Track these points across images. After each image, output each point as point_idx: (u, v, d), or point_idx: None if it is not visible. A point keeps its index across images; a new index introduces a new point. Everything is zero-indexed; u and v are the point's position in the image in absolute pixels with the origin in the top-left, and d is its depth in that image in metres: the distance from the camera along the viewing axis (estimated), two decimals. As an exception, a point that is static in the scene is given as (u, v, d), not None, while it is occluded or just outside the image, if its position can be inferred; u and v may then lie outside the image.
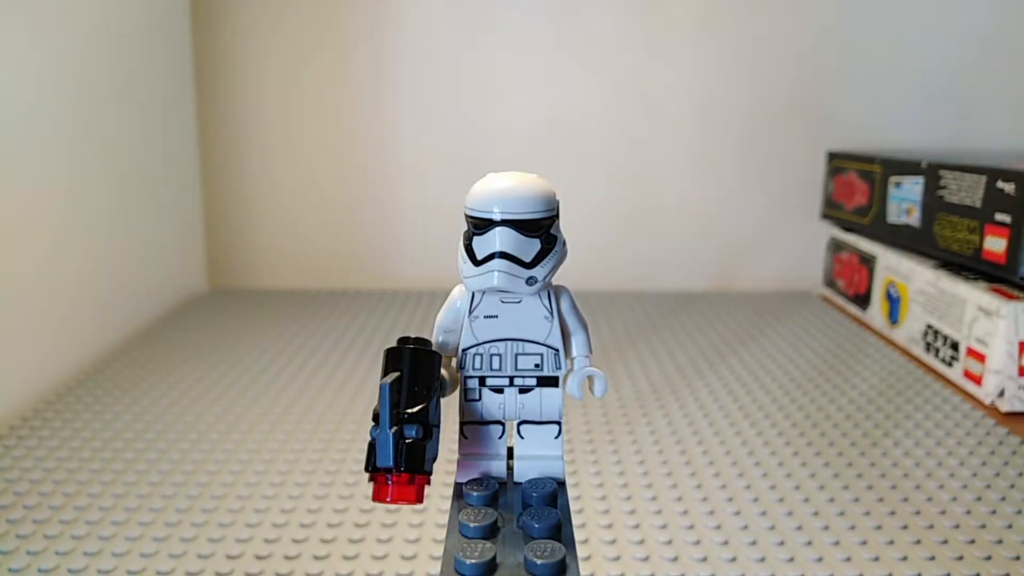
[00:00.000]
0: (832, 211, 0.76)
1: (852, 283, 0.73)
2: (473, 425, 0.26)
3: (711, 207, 0.80)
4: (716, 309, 0.74)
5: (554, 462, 0.26)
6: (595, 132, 0.78)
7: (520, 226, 0.24)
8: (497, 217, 0.24)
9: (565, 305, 0.26)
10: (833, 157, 0.76)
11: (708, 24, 0.76)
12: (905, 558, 0.35)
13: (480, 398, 0.26)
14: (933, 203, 0.61)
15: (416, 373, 0.24)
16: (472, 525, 0.23)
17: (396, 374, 0.24)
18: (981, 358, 0.53)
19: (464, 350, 0.26)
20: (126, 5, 0.63)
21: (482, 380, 0.26)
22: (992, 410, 0.52)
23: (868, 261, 0.70)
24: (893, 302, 0.65)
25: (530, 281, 0.25)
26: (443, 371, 0.25)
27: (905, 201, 0.64)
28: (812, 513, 0.39)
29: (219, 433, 0.47)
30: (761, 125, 0.79)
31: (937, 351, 0.58)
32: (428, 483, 0.23)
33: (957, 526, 0.37)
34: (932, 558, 0.35)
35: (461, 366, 0.26)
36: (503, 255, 0.24)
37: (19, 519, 0.37)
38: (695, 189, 0.80)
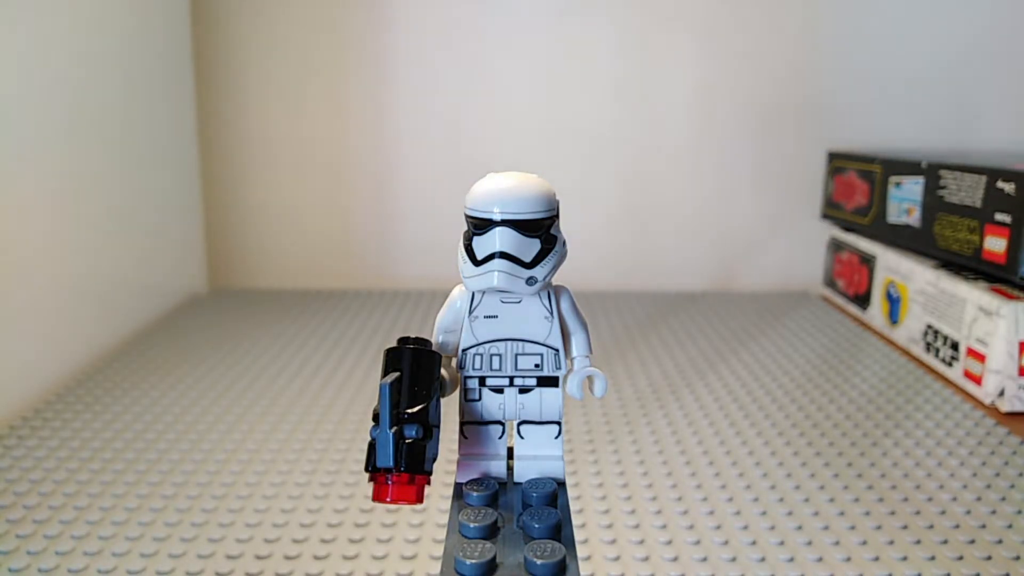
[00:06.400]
0: (832, 211, 0.76)
1: (852, 283, 0.73)
2: (473, 425, 0.26)
3: (711, 207, 0.80)
4: (716, 309, 0.74)
5: (554, 462, 0.26)
6: (595, 132, 0.78)
7: (520, 226, 0.24)
8: (497, 217, 0.24)
9: (565, 305, 0.26)
10: (833, 157, 0.76)
11: (708, 24, 0.76)
12: (905, 558, 0.35)
13: (480, 398, 0.26)
14: (933, 203, 0.61)
15: (416, 373, 0.24)
16: (472, 525, 0.22)
17: (396, 374, 0.24)
18: (981, 358, 0.53)
19: (464, 350, 0.26)
20: (126, 5, 0.63)
21: (482, 380, 0.26)
22: (992, 410, 0.52)
23: (868, 261, 0.70)
24: (893, 302, 0.65)
25: (530, 281, 0.25)
26: (443, 371, 0.25)
27: (905, 201, 0.64)
28: (812, 513, 0.39)
29: (219, 433, 0.47)
30: (761, 125, 0.79)
31: (937, 351, 0.58)
32: (428, 483, 0.23)
33: (957, 526, 0.37)
34: (932, 558, 0.35)
35: (461, 366, 0.26)
36: (503, 255, 0.24)
37: (19, 519, 0.37)
38: (695, 189, 0.80)
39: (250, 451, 0.45)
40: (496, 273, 0.24)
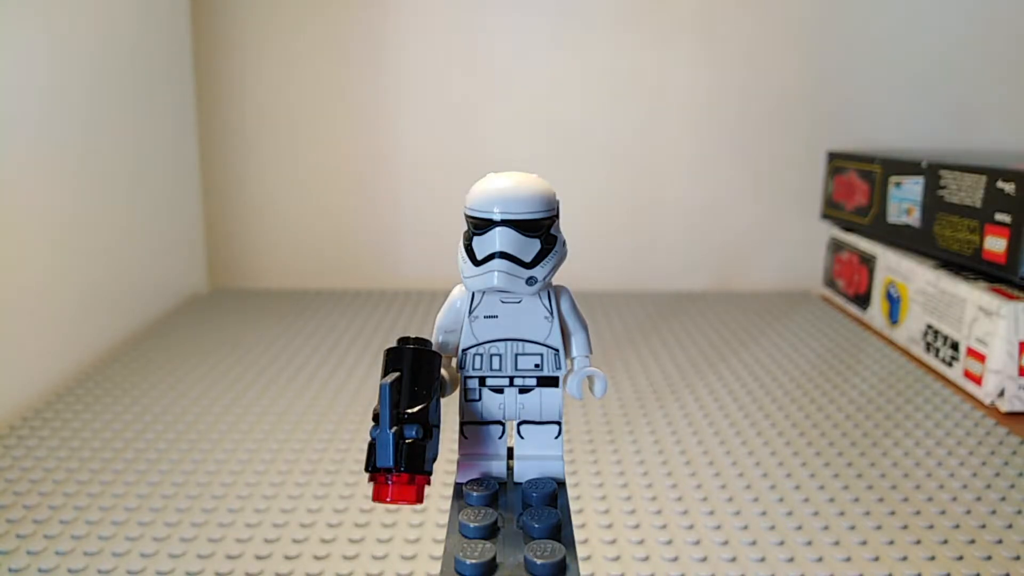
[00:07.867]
0: (832, 211, 0.76)
1: (852, 283, 0.73)
2: (473, 425, 0.26)
3: (711, 207, 0.80)
4: (716, 309, 0.74)
5: (554, 462, 0.26)
6: (595, 132, 0.78)
7: (520, 226, 0.24)
8: (497, 217, 0.24)
9: (565, 305, 0.26)
10: (833, 157, 0.76)
11: (708, 23, 0.76)
12: (905, 558, 0.35)
13: (480, 398, 0.26)
14: (933, 203, 0.61)
15: (416, 373, 0.24)
16: (472, 525, 0.22)
17: (396, 374, 0.24)
18: (981, 358, 0.53)
19: (464, 350, 0.26)
20: (126, 6, 0.63)
21: (482, 380, 0.26)
22: (992, 410, 0.52)
23: (868, 261, 0.70)
24: (893, 302, 0.65)
25: (530, 281, 0.25)
26: (443, 371, 0.25)
27: (905, 201, 0.64)
28: (812, 513, 0.39)
29: (219, 433, 0.47)
30: (761, 125, 0.79)
31: (937, 351, 0.58)
32: (428, 483, 0.23)
33: (957, 526, 0.37)
34: (932, 558, 0.35)
35: (461, 366, 0.26)
36: (503, 255, 0.24)
37: (19, 519, 0.37)
38: (695, 189, 0.80)
39: (250, 451, 0.45)
40: (496, 273, 0.24)
